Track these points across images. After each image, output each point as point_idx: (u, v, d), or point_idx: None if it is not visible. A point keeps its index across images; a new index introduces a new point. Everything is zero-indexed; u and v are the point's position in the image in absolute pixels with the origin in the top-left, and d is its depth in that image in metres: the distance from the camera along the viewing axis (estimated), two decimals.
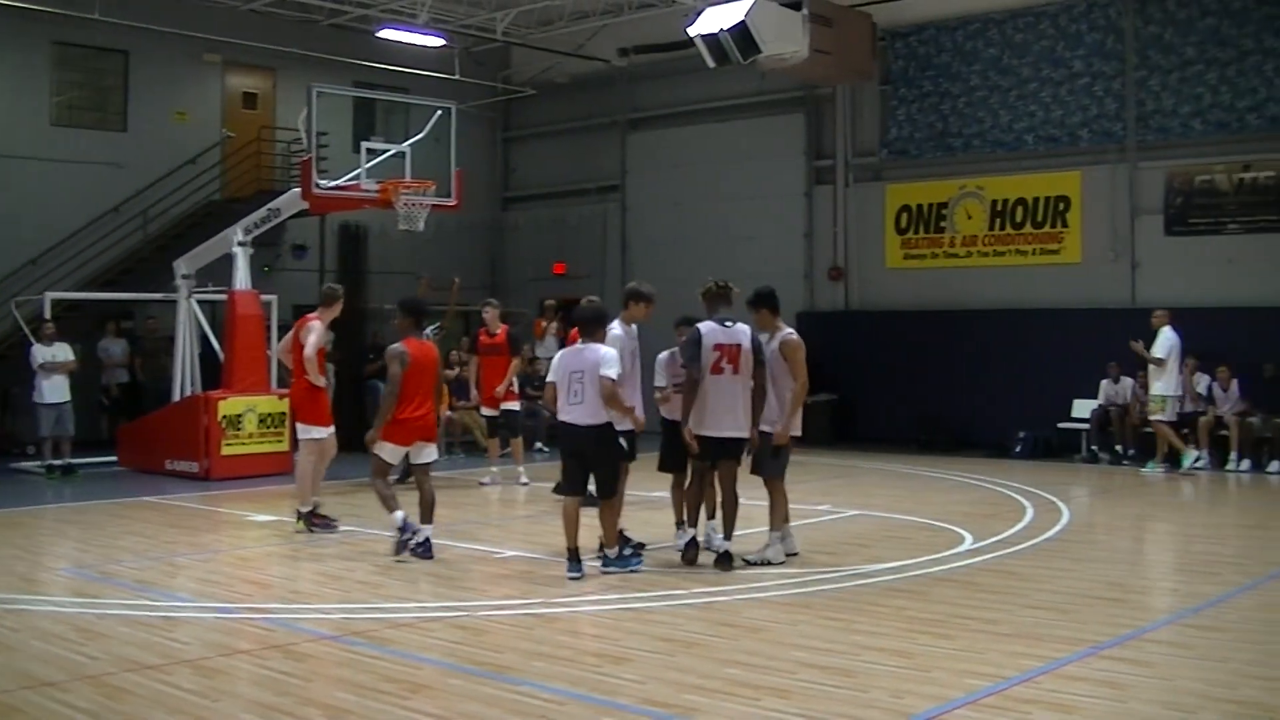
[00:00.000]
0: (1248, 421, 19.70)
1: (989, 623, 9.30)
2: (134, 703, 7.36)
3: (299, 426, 14.14)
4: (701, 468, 11.73)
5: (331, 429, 14.23)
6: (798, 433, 12.00)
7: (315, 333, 13.94)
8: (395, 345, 12.29)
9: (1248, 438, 19.69)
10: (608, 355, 11.09)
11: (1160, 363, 19.52)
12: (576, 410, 11.12)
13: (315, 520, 13.86)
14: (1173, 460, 19.69)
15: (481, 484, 18.29)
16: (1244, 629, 9.22)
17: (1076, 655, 8.29)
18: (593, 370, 11.01)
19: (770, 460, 11.80)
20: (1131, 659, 8.25)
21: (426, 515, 12.15)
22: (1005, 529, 13.80)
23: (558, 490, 15.79)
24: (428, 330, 17.27)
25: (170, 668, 8.11)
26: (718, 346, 11.45)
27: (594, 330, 11.36)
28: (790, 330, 12.08)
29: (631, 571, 11.23)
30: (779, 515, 11.88)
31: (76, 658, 8.38)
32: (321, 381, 14.10)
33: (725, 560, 11.51)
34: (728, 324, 11.57)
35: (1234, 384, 20.04)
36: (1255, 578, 11.18)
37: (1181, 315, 20.42)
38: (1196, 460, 19.51)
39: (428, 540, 12.04)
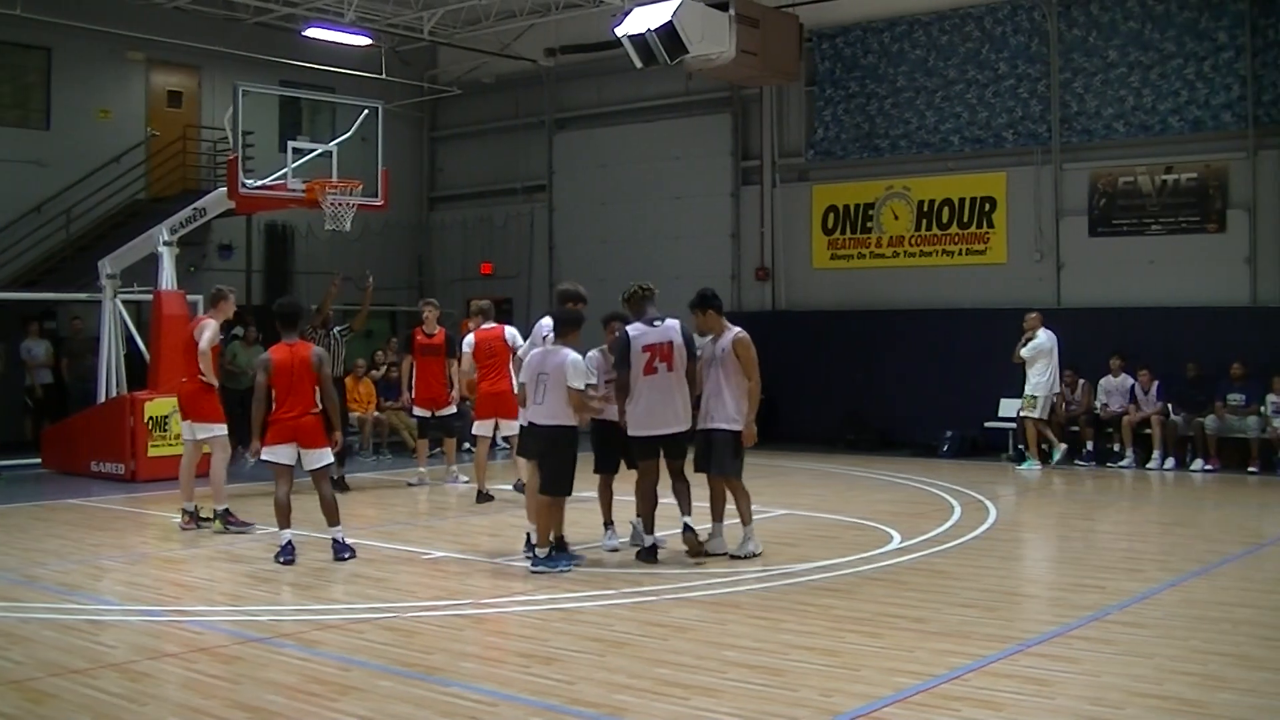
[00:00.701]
0: (1171, 421, 19.94)
1: (917, 621, 9.36)
2: (59, 707, 7.29)
3: (200, 426, 14.08)
4: (646, 466, 11.78)
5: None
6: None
7: (209, 329, 14.12)
8: (262, 354, 12.42)
9: (1171, 437, 19.94)
10: (576, 364, 11.21)
11: (1021, 360, 20.17)
12: (539, 411, 11.29)
13: (230, 520, 13.90)
14: (1042, 456, 20.35)
15: (409, 485, 18.22)
16: (1168, 625, 9.31)
17: (1004, 653, 8.36)
18: (558, 373, 11.14)
19: (730, 459, 11.85)
20: (1058, 656, 8.32)
21: (332, 517, 12.17)
22: (932, 528, 13.89)
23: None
24: (335, 330, 17.32)
25: (96, 671, 8.02)
26: (647, 347, 11.52)
27: (569, 333, 11.50)
28: (739, 329, 12.09)
29: (560, 573, 11.22)
30: (747, 511, 11.95)
31: (0, 663, 8.29)
32: (215, 380, 14.18)
33: (687, 530, 11.71)
34: (656, 323, 11.65)
35: (1154, 386, 20.29)
36: (1178, 574, 11.30)
37: (1105, 315, 20.77)
38: (1029, 466, 20.07)
39: (341, 540, 12.10)
